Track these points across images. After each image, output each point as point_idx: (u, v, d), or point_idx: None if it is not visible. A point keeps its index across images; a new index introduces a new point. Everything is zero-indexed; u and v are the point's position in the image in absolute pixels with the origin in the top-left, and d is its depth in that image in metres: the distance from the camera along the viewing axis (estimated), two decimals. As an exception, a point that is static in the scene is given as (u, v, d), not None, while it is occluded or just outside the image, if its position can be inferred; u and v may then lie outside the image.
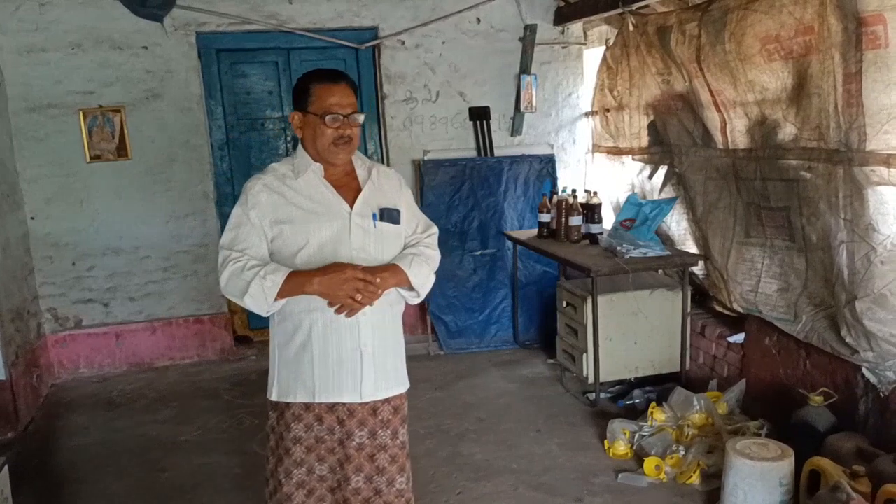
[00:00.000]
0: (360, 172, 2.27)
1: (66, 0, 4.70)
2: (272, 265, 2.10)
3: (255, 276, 2.06)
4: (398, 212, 2.26)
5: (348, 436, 2.19)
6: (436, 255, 2.32)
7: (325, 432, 2.20)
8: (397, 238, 2.26)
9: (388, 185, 2.31)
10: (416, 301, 2.30)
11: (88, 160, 4.88)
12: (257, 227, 2.14)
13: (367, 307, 2.14)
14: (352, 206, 2.18)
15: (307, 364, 2.17)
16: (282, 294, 2.07)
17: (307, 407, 2.19)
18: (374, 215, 2.20)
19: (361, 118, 2.19)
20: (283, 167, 2.23)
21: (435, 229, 2.39)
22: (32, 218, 4.87)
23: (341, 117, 2.13)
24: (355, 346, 2.16)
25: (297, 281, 2.07)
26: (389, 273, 2.15)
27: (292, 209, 2.15)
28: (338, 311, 2.11)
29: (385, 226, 2.22)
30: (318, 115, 2.13)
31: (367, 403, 2.20)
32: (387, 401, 2.24)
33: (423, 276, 2.23)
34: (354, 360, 2.16)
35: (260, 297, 2.06)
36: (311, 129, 2.17)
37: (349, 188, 2.22)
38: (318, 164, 2.20)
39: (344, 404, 2.19)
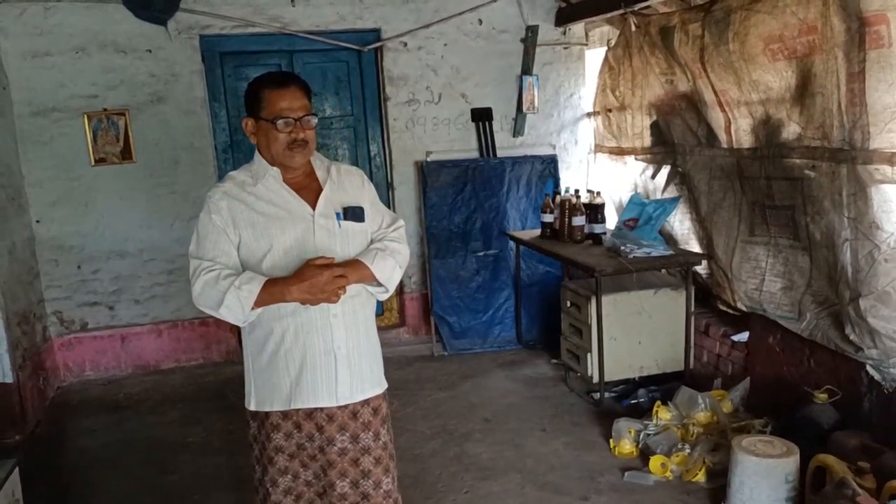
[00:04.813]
0: (320, 173, 2.24)
1: (71, 4, 4.71)
2: (246, 274, 2.07)
3: (230, 286, 2.03)
4: (362, 209, 2.23)
5: (329, 442, 2.18)
6: (402, 248, 2.28)
7: (305, 440, 2.18)
8: (363, 236, 2.24)
9: (350, 182, 2.28)
10: (385, 296, 2.28)
11: (93, 163, 4.90)
12: (223, 232, 2.11)
13: (339, 308, 2.13)
14: (314, 208, 2.17)
15: (281, 371, 2.15)
16: (259, 303, 2.05)
17: (285, 415, 2.17)
18: (338, 215, 2.18)
19: (315, 121, 2.15)
20: (241, 174, 2.20)
21: (401, 223, 2.35)
22: (38, 221, 4.89)
23: (293, 121, 2.10)
24: (328, 349, 2.14)
25: (275, 290, 2.04)
26: (351, 268, 2.12)
27: (254, 215, 2.12)
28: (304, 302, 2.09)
29: (350, 225, 2.20)
30: (270, 120, 2.09)
31: (346, 407, 2.18)
32: (366, 402, 2.22)
33: (388, 270, 2.20)
34: (328, 364, 2.15)
35: (236, 308, 2.04)
36: (264, 135, 2.13)
37: (310, 190, 2.20)
38: (275, 168, 2.17)
39: (322, 409, 2.17)
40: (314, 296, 2.05)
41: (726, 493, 3.03)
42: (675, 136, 4.35)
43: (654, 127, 4.62)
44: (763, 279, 3.69)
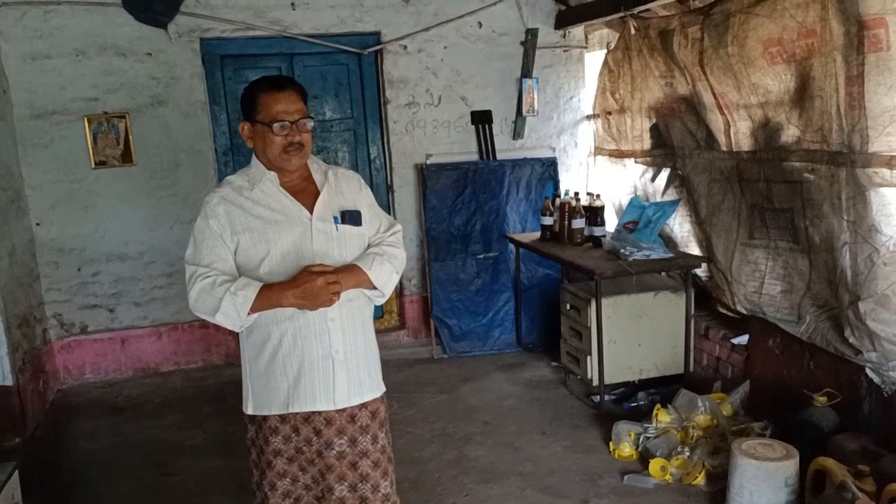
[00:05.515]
0: (317, 177, 2.25)
1: (71, 7, 4.72)
2: (242, 280, 2.08)
3: (226, 292, 2.03)
4: (359, 213, 2.24)
5: (327, 445, 2.18)
6: (399, 253, 2.28)
7: (303, 443, 2.18)
8: (360, 240, 2.24)
9: (347, 186, 2.29)
10: (381, 301, 2.28)
11: (93, 166, 4.90)
12: (220, 238, 2.12)
13: (336, 312, 2.14)
14: (311, 212, 2.17)
15: (278, 375, 2.15)
16: (255, 309, 2.05)
17: (283, 419, 2.17)
18: (335, 218, 2.19)
19: (311, 124, 2.16)
20: (238, 179, 2.21)
21: (399, 227, 2.36)
22: (38, 224, 4.89)
23: (289, 124, 2.10)
24: (326, 353, 2.14)
25: (271, 296, 2.05)
26: (348, 273, 2.13)
27: (251, 220, 2.12)
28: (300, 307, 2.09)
29: (347, 228, 2.20)
30: (266, 123, 2.10)
31: (343, 410, 2.18)
32: (364, 406, 2.22)
33: (385, 276, 2.20)
34: (326, 368, 2.15)
35: (232, 314, 2.05)
36: (260, 139, 2.14)
37: (307, 193, 2.20)
38: (272, 172, 2.17)
39: (320, 413, 2.17)
40: (309, 301, 2.06)
41: (726, 497, 3.03)
42: (675, 139, 4.36)
43: (654, 130, 4.62)
44: (762, 282, 3.69)
